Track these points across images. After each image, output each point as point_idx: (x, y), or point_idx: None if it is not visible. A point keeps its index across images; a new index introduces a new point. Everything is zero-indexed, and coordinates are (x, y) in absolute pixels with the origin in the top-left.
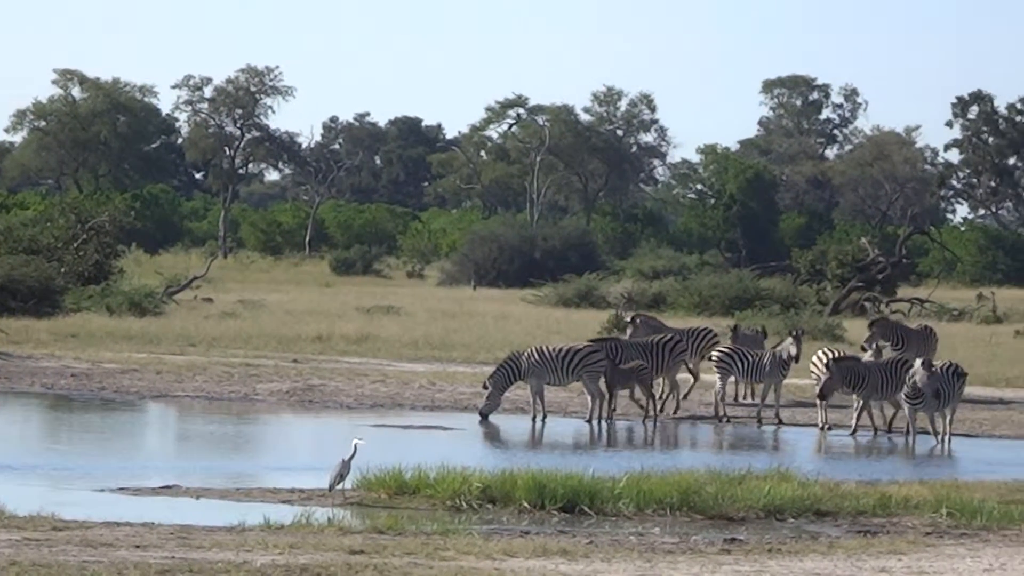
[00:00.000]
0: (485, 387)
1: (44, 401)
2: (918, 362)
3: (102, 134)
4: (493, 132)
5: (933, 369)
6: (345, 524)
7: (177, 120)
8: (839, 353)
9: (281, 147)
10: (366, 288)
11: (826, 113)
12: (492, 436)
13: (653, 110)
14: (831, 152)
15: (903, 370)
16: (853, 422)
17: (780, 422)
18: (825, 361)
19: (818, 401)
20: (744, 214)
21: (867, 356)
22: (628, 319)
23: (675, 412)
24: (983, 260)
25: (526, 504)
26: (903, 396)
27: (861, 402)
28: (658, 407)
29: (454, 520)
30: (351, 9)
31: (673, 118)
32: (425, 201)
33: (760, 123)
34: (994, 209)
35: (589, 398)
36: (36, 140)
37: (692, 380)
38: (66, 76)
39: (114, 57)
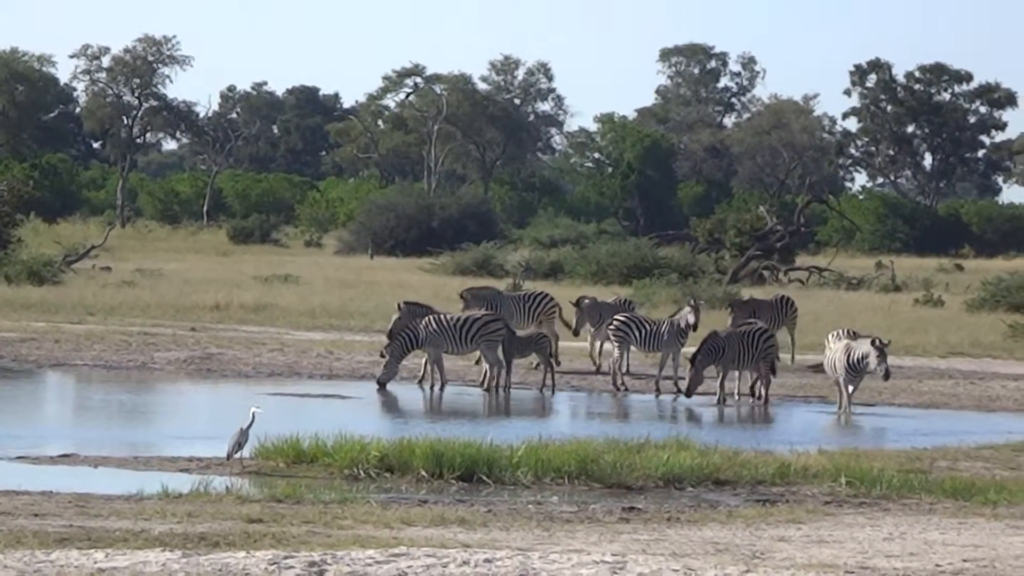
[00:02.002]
0: (383, 356)
1: None
2: (867, 344)
3: (0, 104)
4: (390, 101)
5: (885, 350)
6: (243, 493)
7: (75, 90)
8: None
9: (179, 116)
10: (264, 257)
11: (724, 81)
12: (390, 405)
13: (550, 79)
14: (729, 121)
15: (760, 339)
16: (717, 391)
17: (679, 391)
18: (690, 357)
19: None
20: (642, 183)
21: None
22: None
23: (483, 384)
24: (882, 229)
25: (424, 473)
26: (844, 370)
27: (720, 372)
28: (550, 377)
29: (352, 489)
30: None
31: (570, 87)
32: (323, 170)
33: (658, 92)
34: (893, 178)
35: (487, 367)
36: None
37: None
38: None
39: (12, 27)
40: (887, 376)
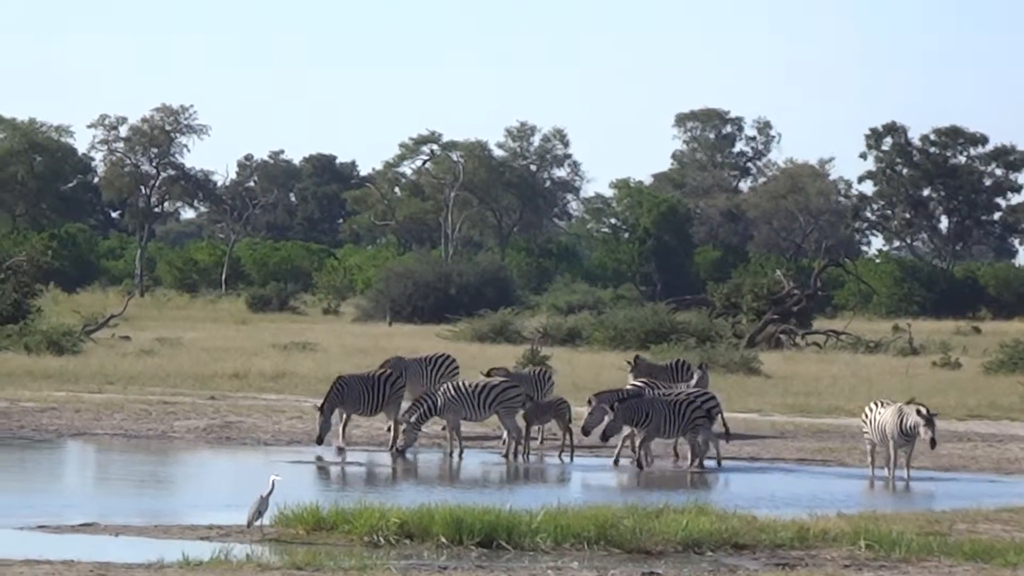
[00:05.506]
0: (400, 423)
1: None
2: (914, 413)
3: (19, 174)
4: (407, 168)
5: (933, 419)
6: (263, 560)
7: (93, 159)
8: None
9: (196, 185)
10: (282, 325)
11: (739, 146)
12: (409, 471)
13: (566, 145)
14: (745, 185)
15: (688, 406)
16: (620, 452)
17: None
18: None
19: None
20: (658, 248)
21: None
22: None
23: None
24: (899, 292)
25: (444, 539)
26: (895, 435)
27: (641, 436)
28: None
29: (372, 556)
30: (265, 47)
31: (586, 152)
32: (340, 238)
33: (674, 156)
34: (909, 241)
35: (506, 433)
36: None
37: None
38: None
39: (30, 97)
40: (934, 444)
